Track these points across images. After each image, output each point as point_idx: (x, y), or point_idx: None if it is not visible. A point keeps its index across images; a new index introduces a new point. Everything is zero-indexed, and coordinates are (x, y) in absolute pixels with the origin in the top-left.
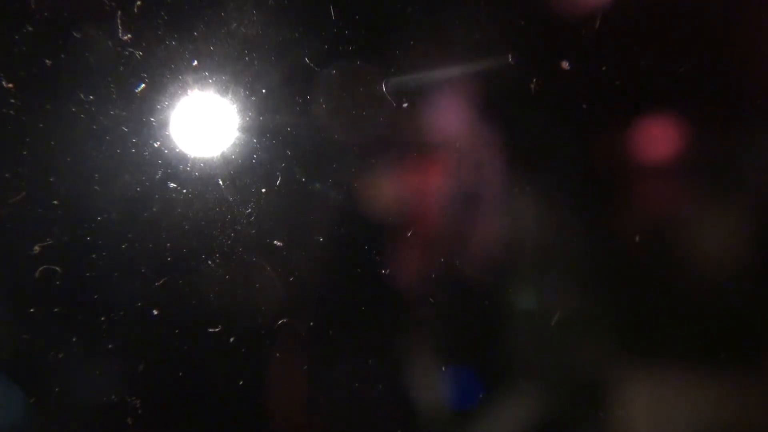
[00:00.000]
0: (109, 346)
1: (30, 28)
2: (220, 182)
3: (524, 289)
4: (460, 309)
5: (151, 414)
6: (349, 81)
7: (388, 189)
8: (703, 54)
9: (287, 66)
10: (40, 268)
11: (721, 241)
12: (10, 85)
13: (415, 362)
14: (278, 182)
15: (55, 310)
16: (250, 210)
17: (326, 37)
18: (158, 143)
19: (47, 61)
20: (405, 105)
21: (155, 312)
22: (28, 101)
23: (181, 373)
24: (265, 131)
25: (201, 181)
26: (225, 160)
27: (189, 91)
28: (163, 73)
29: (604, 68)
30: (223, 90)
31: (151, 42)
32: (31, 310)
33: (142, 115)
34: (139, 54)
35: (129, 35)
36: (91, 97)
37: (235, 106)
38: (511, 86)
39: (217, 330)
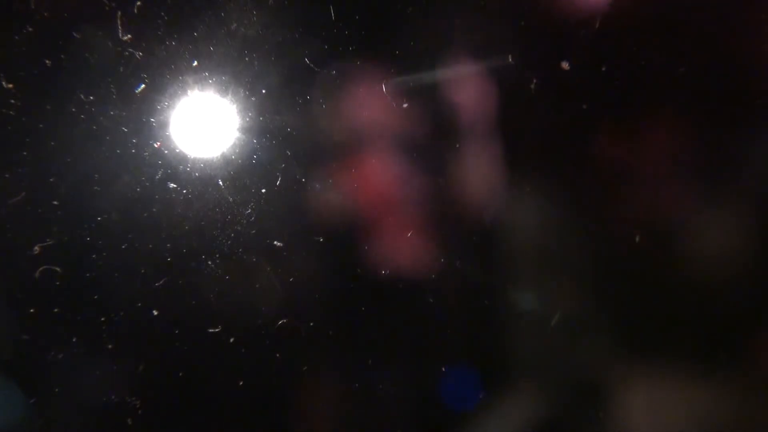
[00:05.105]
0: (109, 346)
1: (30, 28)
2: (220, 183)
3: (524, 290)
4: (460, 309)
5: (151, 414)
6: (349, 81)
7: (388, 189)
8: (704, 54)
9: (287, 66)
10: (40, 268)
11: (721, 241)
12: (10, 85)
13: (415, 362)
14: (278, 182)
15: (55, 310)
16: (250, 210)
17: (326, 37)
18: (158, 143)
19: (47, 61)
20: (405, 105)
21: (155, 312)
22: (28, 101)
23: (181, 374)
24: (265, 131)
25: (201, 181)
26: (225, 160)
27: (189, 92)
28: (163, 73)
29: (604, 68)
30: (223, 90)
31: (151, 42)
32: (31, 310)
33: (142, 116)
34: (139, 54)
35: (129, 35)
36: (91, 97)
37: (235, 106)
38: (511, 86)
39: (217, 330)
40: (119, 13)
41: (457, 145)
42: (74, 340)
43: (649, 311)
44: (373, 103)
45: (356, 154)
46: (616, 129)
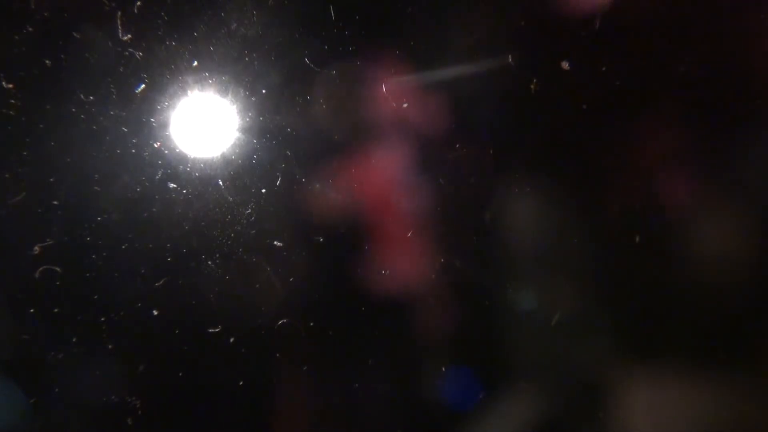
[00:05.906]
0: (109, 346)
1: (30, 28)
2: (220, 183)
3: (524, 289)
4: (460, 309)
5: (151, 414)
6: (349, 81)
7: (388, 189)
8: (704, 54)
9: (287, 66)
10: (40, 268)
11: (721, 241)
12: (10, 85)
13: (415, 362)
14: (278, 182)
15: (55, 310)
16: (250, 210)
17: (326, 37)
18: (158, 143)
19: (47, 61)
20: (405, 105)
21: (155, 312)
22: (28, 101)
23: (181, 374)
24: (265, 131)
25: (201, 181)
26: (225, 160)
27: (189, 91)
28: (163, 73)
29: (604, 68)
30: (223, 90)
31: (151, 42)
32: (31, 310)
33: (142, 116)
34: (139, 54)
35: (129, 35)
36: (91, 97)
37: (235, 106)
38: (511, 86)
39: (217, 330)
40: (119, 13)
41: (457, 145)
42: (74, 340)
43: (650, 311)
44: (372, 103)
45: (356, 154)
46: (616, 129)
